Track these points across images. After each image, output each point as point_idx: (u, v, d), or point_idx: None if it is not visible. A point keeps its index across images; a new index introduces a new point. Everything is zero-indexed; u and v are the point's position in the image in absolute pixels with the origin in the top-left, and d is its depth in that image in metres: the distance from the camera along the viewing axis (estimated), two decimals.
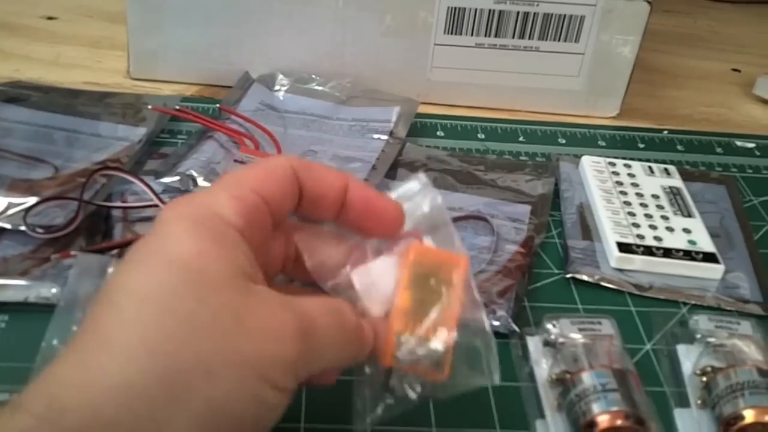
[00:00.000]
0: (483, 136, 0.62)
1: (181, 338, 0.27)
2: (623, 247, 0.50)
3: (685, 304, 0.48)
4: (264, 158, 0.33)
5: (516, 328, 0.44)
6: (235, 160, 0.52)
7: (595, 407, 0.37)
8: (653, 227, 0.52)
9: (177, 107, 0.59)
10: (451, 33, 0.63)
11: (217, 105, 0.60)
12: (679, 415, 0.41)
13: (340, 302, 0.32)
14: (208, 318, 0.27)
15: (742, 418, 0.37)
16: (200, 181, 0.52)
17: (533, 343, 0.43)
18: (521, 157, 0.60)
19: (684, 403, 0.41)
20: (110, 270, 0.40)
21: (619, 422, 0.36)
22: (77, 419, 0.25)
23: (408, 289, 0.31)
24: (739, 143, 0.65)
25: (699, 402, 0.41)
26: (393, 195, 0.35)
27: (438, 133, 0.62)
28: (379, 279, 0.32)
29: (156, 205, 0.49)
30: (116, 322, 0.27)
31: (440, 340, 0.31)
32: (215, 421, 0.27)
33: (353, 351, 0.32)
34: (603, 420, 0.36)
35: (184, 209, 0.31)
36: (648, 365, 0.44)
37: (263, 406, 0.28)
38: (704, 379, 0.41)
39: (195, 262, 0.28)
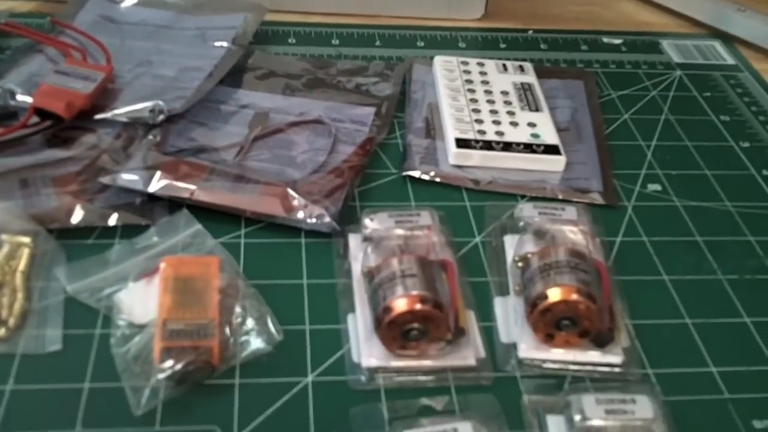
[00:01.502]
0: (337, 42, 0.60)
1: None
2: (461, 143, 0.48)
3: (524, 197, 0.47)
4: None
5: (337, 227, 0.43)
6: (57, 71, 0.49)
7: (396, 291, 0.35)
8: (497, 122, 0.50)
9: (3, 21, 0.55)
10: None
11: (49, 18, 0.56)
12: (498, 303, 0.40)
13: None
14: None
15: (545, 297, 0.36)
16: (19, 95, 0.49)
17: (354, 240, 0.42)
18: (375, 62, 0.58)
19: (504, 291, 0.40)
20: None
21: (417, 306, 0.35)
22: None
23: (168, 293, 0.36)
24: (606, 40, 0.63)
25: (516, 288, 0.39)
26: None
27: (290, 40, 0.60)
28: (140, 295, 0.38)
29: None
30: None
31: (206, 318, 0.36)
32: None
33: None
34: (400, 304, 0.35)
35: None
36: (476, 257, 0.43)
37: None
38: (520, 264, 0.39)
39: None
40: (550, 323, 0.36)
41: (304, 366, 0.36)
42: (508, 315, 0.39)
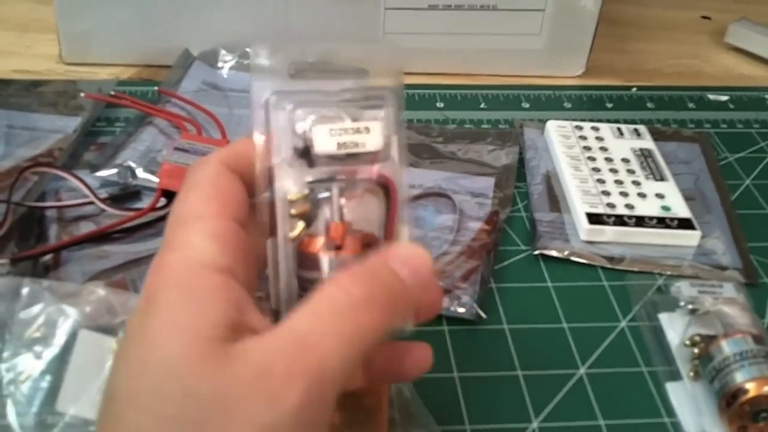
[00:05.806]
0: (442, 105, 0.59)
1: None
2: (593, 218, 0.47)
3: (660, 275, 0.45)
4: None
5: (482, 314, 0.42)
6: (176, 148, 0.48)
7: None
8: (624, 194, 0.49)
9: (112, 93, 0.55)
10: None
11: (156, 87, 0.56)
12: (672, 389, 0.39)
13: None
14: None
15: (745, 391, 0.35)
16: (139, 173, 0.48)
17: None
18: (483, 125, 0.57)
19: (675, 376, 0.39)
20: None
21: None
22: None
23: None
24: (711, 96, 0.62)
25: (691, 374, 0.38)
26: None
27: None
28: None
29: (92, 203, 0.46)
30: None
31: None
32: None
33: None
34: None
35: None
36: (629, 341, 0.41)
37: None
38: (695, 350, 0.38)
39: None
40: (747, 416, 0.35)
41: None
42: (687, 403, 0.38)
